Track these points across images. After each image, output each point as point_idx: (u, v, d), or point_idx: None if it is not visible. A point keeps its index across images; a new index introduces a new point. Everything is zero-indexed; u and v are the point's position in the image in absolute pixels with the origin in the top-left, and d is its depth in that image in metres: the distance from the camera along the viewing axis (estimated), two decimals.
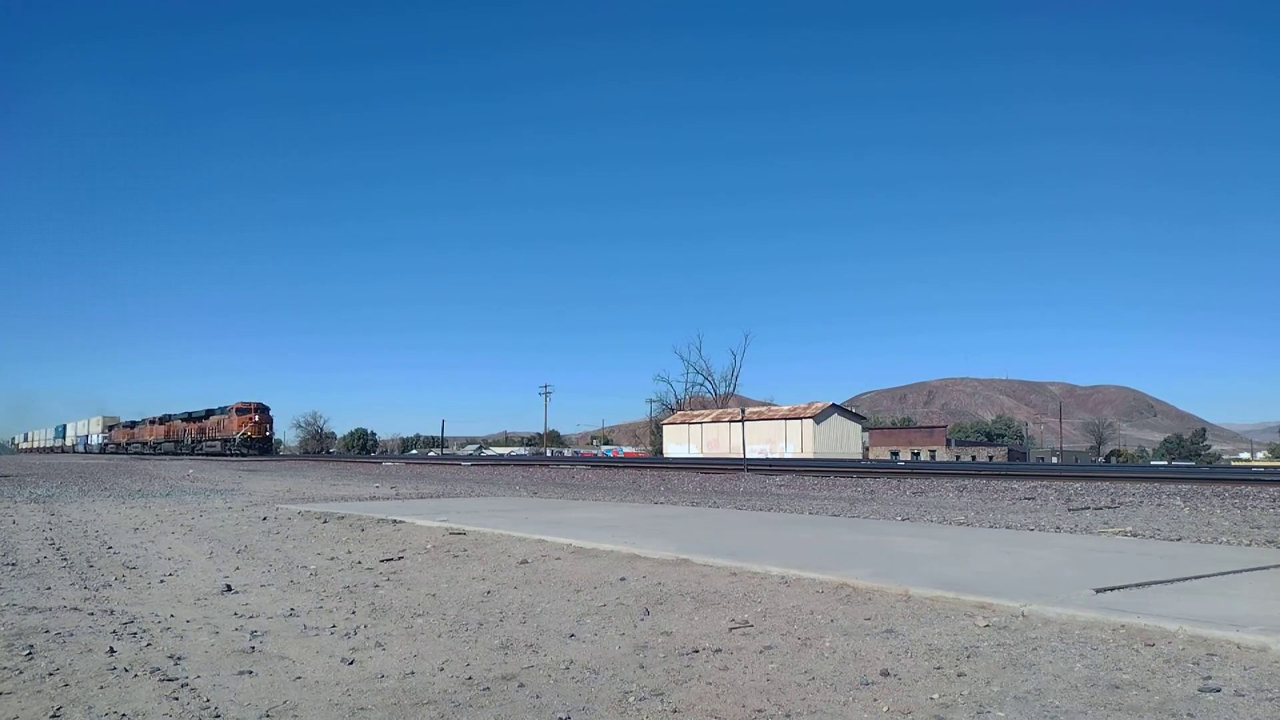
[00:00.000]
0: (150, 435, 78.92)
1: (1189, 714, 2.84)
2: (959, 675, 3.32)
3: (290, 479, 22.31)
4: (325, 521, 9.83)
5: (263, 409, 64.20)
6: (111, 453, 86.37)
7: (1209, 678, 3.17)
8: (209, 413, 68.22)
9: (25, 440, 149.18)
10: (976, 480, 16.34)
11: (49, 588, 5.73)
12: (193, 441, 69.29)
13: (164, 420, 77.03)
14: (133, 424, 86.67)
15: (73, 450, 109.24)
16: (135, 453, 79.83)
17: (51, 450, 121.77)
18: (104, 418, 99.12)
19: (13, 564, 6.82)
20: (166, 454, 71.84)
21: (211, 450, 65.06)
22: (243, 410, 63.16)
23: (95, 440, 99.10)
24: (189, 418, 71.69)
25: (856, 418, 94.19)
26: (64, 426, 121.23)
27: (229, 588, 5.59)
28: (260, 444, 62.50)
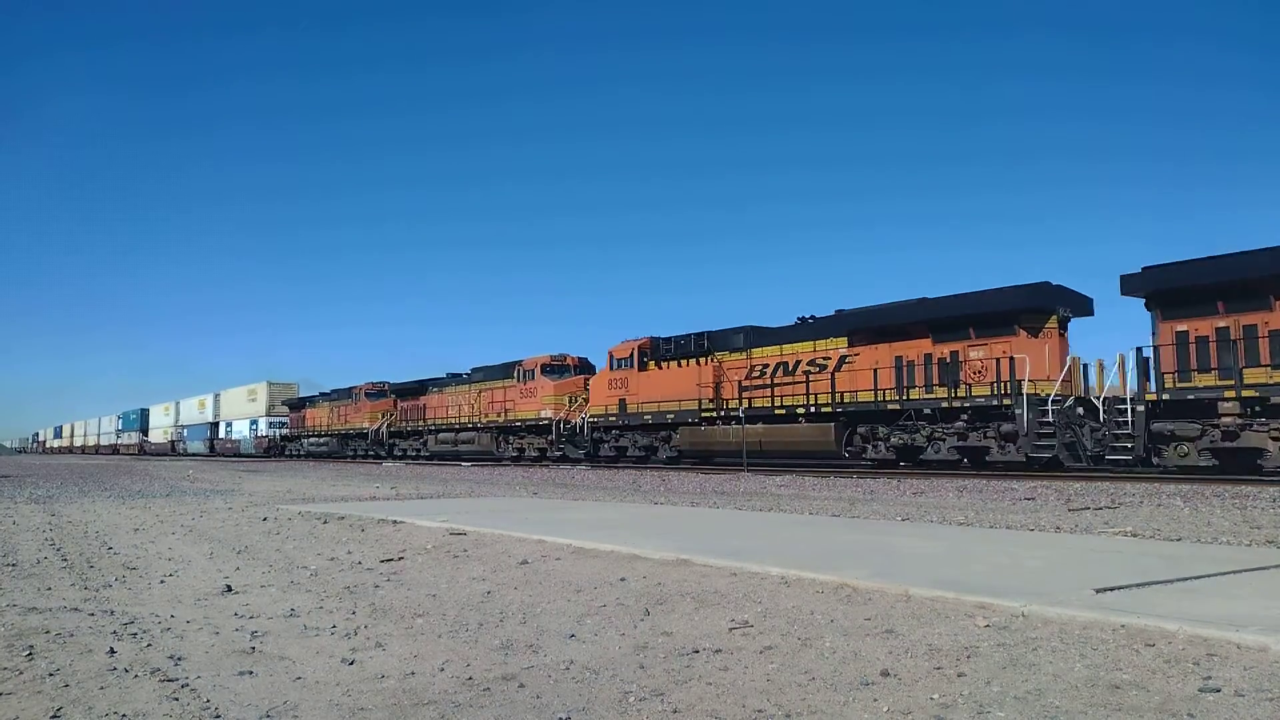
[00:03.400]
0: (517, 406, 32.17)
1: (1189, 714, 2.84)
2: (959, 675, 3.32)
3: (290, 479, 22.31)
4: (325, 522, 9.84)
5: None
6: (323, 454, 46.42)
7: (1209, 678, 3.17)
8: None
9: (59, 436, 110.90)
10: (976, 480, 16.33)
11: (49, 588, 5.74)
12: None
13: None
14: (403, 389, 40.03)
15: (175, 450, 67.06)
16: (433, 453, 36.86)
17: (116, 451, 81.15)
18: (269, 385, 55.97)
19: (13, 564, 6.82)
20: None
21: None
22: None
23: (248, 432, 56.65)
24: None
25: None
26: (143, 413, 78.12)
27: (229, 588, 5.59)
28: None
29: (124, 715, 3.08)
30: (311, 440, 49.06)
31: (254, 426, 57.19)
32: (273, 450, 53.94)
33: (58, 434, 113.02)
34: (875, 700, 3.07)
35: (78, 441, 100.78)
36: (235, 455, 56.89)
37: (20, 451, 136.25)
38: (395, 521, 9.44)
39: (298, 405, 52.99)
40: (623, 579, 5.58)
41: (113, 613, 4.86)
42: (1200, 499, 11.49)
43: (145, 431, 77.22)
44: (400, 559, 6.82)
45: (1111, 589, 4.70)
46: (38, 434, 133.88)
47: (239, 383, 63.52)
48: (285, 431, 53.67)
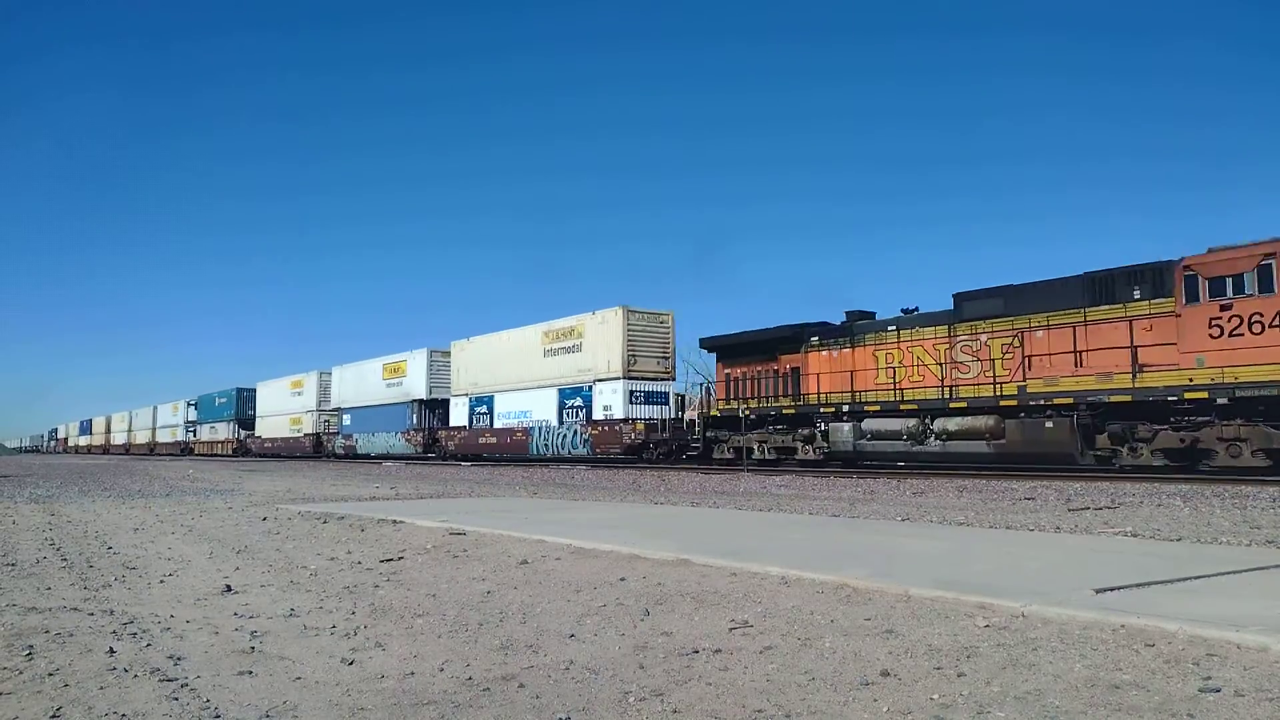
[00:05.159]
0: None
1: (1189, 714, 2.84)
2: (959, 675, 3.32)
3: (290, 479, 22.31)
4: (325, 522, 9.83)
5: None
6: (966, 458, 18.42)
7: (1209, 678, 3.17)
8: None
9: (87, 432, 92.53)
10: (976, 480, 16.33)
11: (49, 588, 5.74)
12: None
13: None
14: None
15: (324, 449, 42.19)
16: None
17: (189, 451, 58.06)
18: (627, 313, 27.59)
19: (12, 564, 6.82)
20: None
21: None
22: None
23: (557, 415, 29.23)
24: None
25: None
26: (239, 395, 53.58)
27: (229, 588, 5.59)
28: None
29: (124, 715, 3.08)
30: (874, 422, 20.31)
31: (584, 402, 28.65)
32: (668, 448, 27.05)
33: (85, 429, 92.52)
34: (875, 700, 3.07)
35: (118, 439, 76.58)
36: (531, 459, 30.20)
37: (33, 450, 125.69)
38: (395, 521, 9.44)
39: (758, 350, 23.60)
40: (622, 579, 5.58)
41: (112, 612, 4.86)
42: (1200, 499, 11.49)
43: (246, 423, 51.64)
44: (400, 559, 6.82)
45: (1111, 589, 4.70)
46: (56, 430, 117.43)
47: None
48: (721, 409, 24.33)
